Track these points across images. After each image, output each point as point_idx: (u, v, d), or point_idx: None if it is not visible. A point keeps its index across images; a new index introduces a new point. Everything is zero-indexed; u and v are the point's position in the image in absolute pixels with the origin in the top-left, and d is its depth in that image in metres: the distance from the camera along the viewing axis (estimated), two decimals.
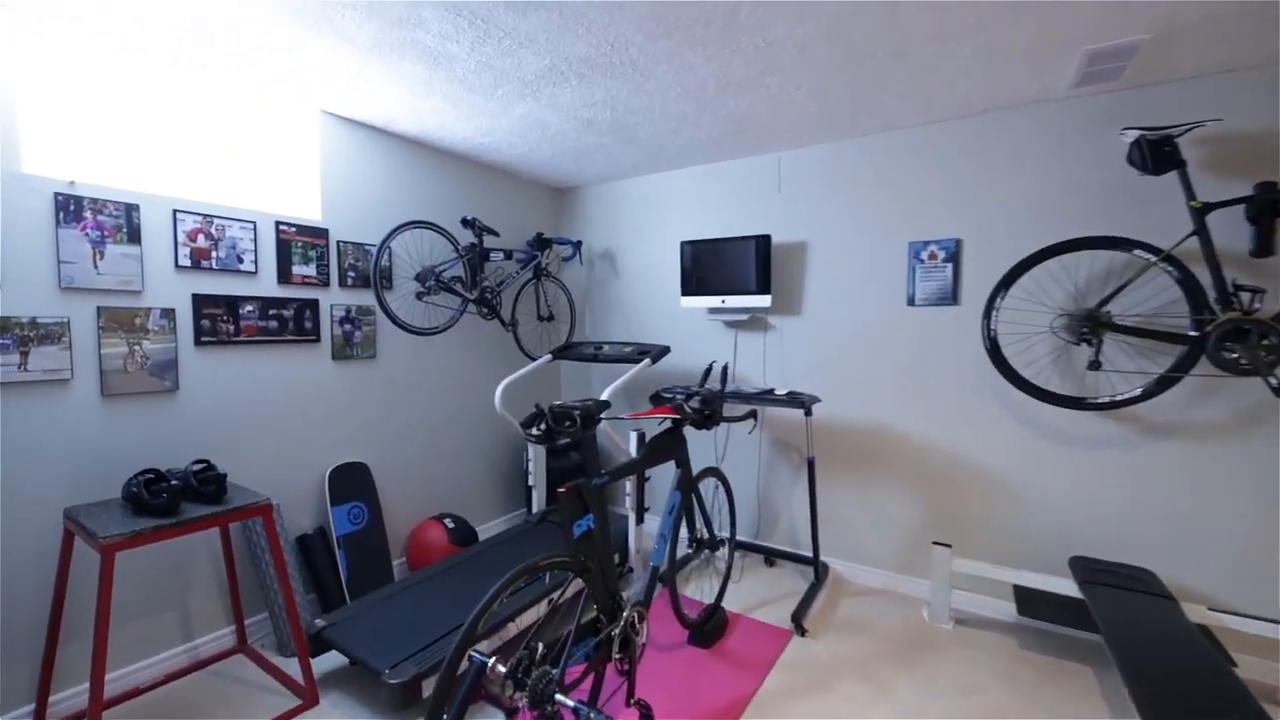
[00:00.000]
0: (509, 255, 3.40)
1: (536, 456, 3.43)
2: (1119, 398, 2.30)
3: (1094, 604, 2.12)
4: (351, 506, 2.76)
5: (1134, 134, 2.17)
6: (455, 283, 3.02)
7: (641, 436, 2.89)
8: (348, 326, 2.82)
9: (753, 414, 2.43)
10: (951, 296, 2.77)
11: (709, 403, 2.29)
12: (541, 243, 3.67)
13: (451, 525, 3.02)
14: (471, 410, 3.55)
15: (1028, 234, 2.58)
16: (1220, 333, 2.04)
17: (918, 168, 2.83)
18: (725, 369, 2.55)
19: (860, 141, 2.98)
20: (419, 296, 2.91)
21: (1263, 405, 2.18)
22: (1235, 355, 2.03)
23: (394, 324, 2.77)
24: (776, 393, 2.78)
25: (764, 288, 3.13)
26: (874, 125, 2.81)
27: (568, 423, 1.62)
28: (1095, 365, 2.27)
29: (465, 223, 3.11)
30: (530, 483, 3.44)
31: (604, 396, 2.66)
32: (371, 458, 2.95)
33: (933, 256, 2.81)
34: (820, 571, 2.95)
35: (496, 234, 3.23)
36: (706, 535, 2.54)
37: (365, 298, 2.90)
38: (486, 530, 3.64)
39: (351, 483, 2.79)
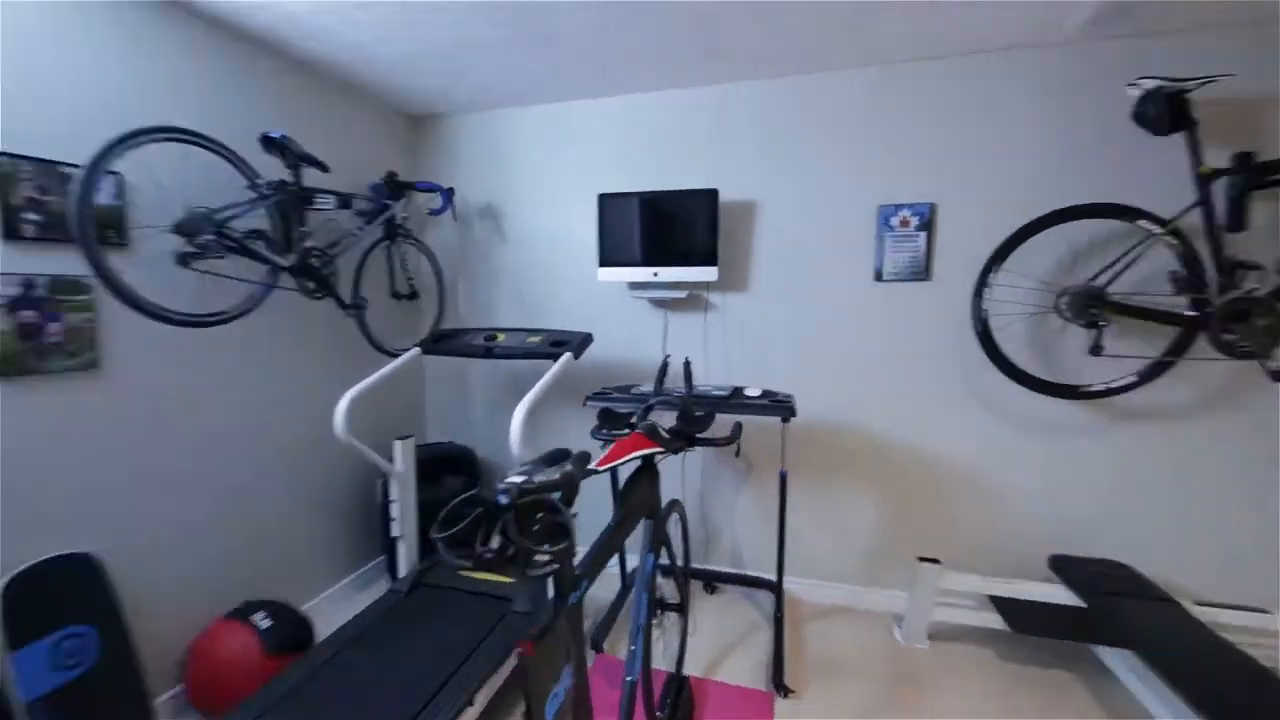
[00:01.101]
0: (345, 203, 2.28)
1: (402, 488, 2.42)
2: (1115, 385, 2.10)
3: (1104, 616, 1.93)
4: (62, 637, 1.54)
5: (1149, 85, 1.90)
6: (255, 240, 1.87)
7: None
8: (29, 313, 1.54)
9: (738, 430, 1.77)
10: (924, 270, 2.39)
11: (692, 421, 1.57)
12: (395, 187, 2.58)
13: (266, 624, 1.92)
14: (290, 435, 2.38)
15: (1011, 199, 2.25)
16: (1224, 313, 1.88)
17: (895, 114, 2.37)
18: (686, 366, 1.86)
19: (831, 77, 2.42)
20: (184, 261, 1.72)
21: (1236, 386, 2.10)
22: (1234, 337, 1.89)
23: (133, 307, 1.58)
24: (748, 393, 2.14)
25: (709, 257, 2.48)
26: (855, 56, 2.27)
27: (540, 514, 0.79)
28: (1098, 350, 2.03)
29: (268, 143, 1.94)
30: (395, 532, 2.42)
31: (519, 414, 1.80)
32: (104, 541, 1.72)
33: (905, 223, 2.39)
34: (780, 600, 2.45)
35: (325, 168, 2.11)
36: (674, 595, 1.85)
37: (67, 261, 1.62)
38: (325, 611, 2.48)
39: (57, 597, 1.55)
